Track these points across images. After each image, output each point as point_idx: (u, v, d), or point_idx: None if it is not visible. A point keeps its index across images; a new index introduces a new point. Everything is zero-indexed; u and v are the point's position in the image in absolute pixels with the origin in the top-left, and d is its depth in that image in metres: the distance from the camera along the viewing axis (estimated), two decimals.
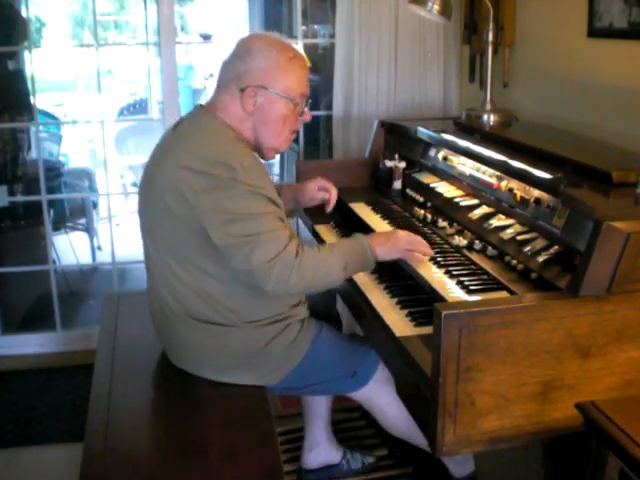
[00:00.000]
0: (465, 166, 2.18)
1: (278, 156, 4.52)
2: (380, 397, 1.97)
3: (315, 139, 4.25)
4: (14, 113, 3.85)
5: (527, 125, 2.49)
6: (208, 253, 1.74)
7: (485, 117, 2.47)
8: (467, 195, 2.15)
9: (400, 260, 1.89)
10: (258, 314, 1.83)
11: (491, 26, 2.45)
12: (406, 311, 1.74)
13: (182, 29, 9.19)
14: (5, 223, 3.97)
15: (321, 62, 4.23)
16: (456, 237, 1.97)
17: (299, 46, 3.04)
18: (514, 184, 1.88)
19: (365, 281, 1.94)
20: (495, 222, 1.90)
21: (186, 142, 1.77)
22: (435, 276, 1.79)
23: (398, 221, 2.24)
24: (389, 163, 2.59)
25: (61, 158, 5.31)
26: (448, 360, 1.34)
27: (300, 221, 2.70)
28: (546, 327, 1.38)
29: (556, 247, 1.63)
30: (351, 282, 1.92)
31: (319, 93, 4.00)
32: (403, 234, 1.89)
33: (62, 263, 4.39)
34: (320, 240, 2.30)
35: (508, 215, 1.89)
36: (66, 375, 3.24)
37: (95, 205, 5.06)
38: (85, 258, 4.74)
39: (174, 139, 1.82)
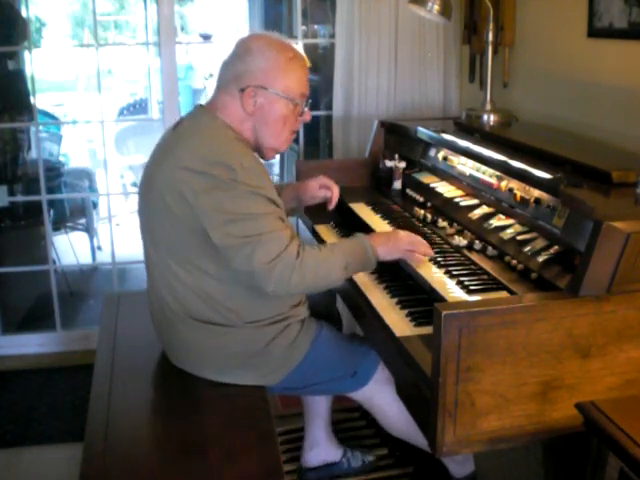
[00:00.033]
0: (465, 166, 2.18)
1: (278, 156, 4.53)
2: (380, 397, 1.97)
3: (315, 139, 4.25)
4: (14, 113, 3.85)
5: (527, 125, 2.49)
6: (208, 253, 1.74)
7: (485, 117, 2.47)
8: (467, 195, 2.15)
9: (400, 260, 1.89)
10: (258, 314, 1.83)
11: (491, 26, 2.45)
12: (406, 311, 1.74)
13: (182, 29, 9.19)
14: (5, 223, 3.97)
15: (321, 62, 4.23)
16: (456, 237, 1.97)
17: (299, 46, 3.04)
18: (514, 184, 1.88)
19: (365, 281, 1.94)
20: (495, 222, 1.90)
21: (186, 142, 1.77)
22: (435, 276, 1.79)
23: (398, 221, 2.24)
24: (389, 163, 2.59)
25: (61, 158, 5.31)
26: (448, 360, 1.34)
27: (300, 221, 2.70)
28: (546, 327, 1.38)
29: (556, 247, 1.63)
30: (351, 282, 1.92)
31: (319, 93, 4.01)
32: (404, 234, 1.89)
33: (62, 263, 4.39)
34: (320, 240, 2.30)
35: (508, 215, 1.89)
36: (66, 375, 3.24)
37: (95, 205, 5.06)
38: (85, 258, 4.74)
39: (174, 139, 1.81)
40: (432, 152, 2.42)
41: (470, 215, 2.02)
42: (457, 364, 1.34)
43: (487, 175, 2.03)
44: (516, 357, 1.38)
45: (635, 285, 1.41)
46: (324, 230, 2.38)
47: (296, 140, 3.33)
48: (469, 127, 2.42)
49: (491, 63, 2.49)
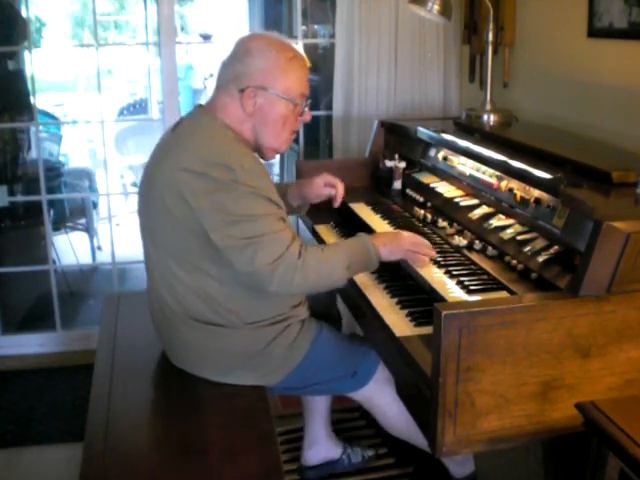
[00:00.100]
0: (465, 166, 2.18)
1: (278, 156, 4.52)
2: (380, 397, 1.97)
3: (315, 139, 4.25)
4: (14, 113, 3.85)
5: (527, 125, 2.49)
6: (208, 254, 1.74)
7: (485, 117, 2.47)
8: (467, 195, 2.15)
9: (401, 260, 1.89)
10: (259, 315, 1.83)
11: (491, 26, 2.45)
12: (406, 311, 1.74)
13: (182, 29, 9.19)
14: (5, 223, 3.97)
15: (321, 62, 4.23)
16: (456, 237, 1.97)
17: (299, 46, 3.04)
18: (514, 184, 1.88)
19: (365, 281, 1.94)
20: (495, 222, 1.90)
21: (186, 143, 1.76)
22: (435, 276, 1.79)
23: (398, 221, 2.24)
24: (389, 163, 2.59)
25: (61, 158, 5.31)
26: (448, 360, 1.34)
27: (300, 221, 2.70)
28: (546, 327, 1.38)
29: (556, 247, 1.63)
30: (351, 282, 1.91)
31: (319, 93, 4.01)
32: (407, 235, 1.89)
33: (62, 263, 4.39)
34: (320, 240, 2.30)
35: (508, 215, 1.89)
36: (66, 375, 3.24)
37: (95, 205, 5.06)
38: (85, 258, 4.74)
39: (174, 139, 1.81)
40: (432, 152, 2.42)
41: (470, 215, 2.02)
42: (457, 364, 1.34)
43: (487, 175, 2.03)
44: (516, 357, 1.38)
45: (635, 285, 1.41)
46: (324, 230, 2.38)
47: (296, 140, 3.33)
48: (469, 127, 2.42)
49: (491, 63, 2.49)
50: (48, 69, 7.89)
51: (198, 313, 1.81)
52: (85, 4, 9.34)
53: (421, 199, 2.35)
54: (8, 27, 3.51)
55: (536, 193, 1.77)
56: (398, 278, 1.94)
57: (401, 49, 3.05)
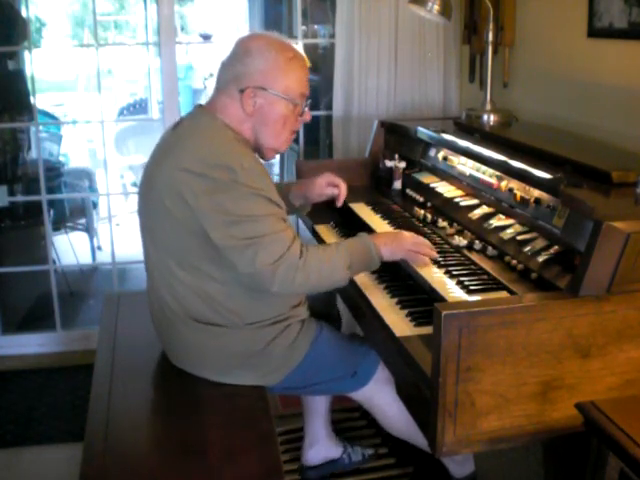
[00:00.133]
0: (465, 166, 2.18)
1: (278, 156, 4.52)
2: (380, 397, 1.97)
3: (315, 139, 4.25)
4: (14, 113, 3.85)
5: (527, 125, 2.49)
6: (209, 255, 1.74)
7: (485, 117, 2.47)
8: (467, 195, 2.15)
9: (401, 260, 1.89)
10: (259, 315, 1.83)
11: (491, 26, 2.45)
12: (406, 311, 1.74)
13: (182, 29, 9.19)
14: (5, 223, 3.97)
15: (321, 62, 4.23)
16: (456, 237, 1.97)
17: (299, 46, 3.04)
18: (514, 184, 1.88)
19: (365, 281, 1.94)
20: (495, 222, 1.90)
21: (186, 143, 1.76)
22: (435, 276, 1.79)
23: (398, 221, 2.24)
24: (389, 163, 2.59)
25: (61, 158, 5.31)
26: (448, 360, 1.34)
27: (300, 221, 2.70)
28: (546, 327, 1.38)
29: (556, 247, 1.63)
30: (351, 282, 1.91)
31: (319, 93, 4.01)
32: (409, 235, 1.89)
33: (62, 263, 4.39)
34: (320, 240, 2.30)
35: (508, 215, 1.89)
36: (66, 375, 3.24)
37: (95, 205, 5.06)
38: (85, 258, 4.74)
39: (174, 140, 1.81)
40: (432, 152, 2.42)
41: (470, 215, 2.02)
42: (457, 364, 1.34)
43: (487, 175, 2.03)
44: (516, 357, 1.38)
45: (635, 285, 1.41)
46: (324, 230, 2.38)
47: (296, 140, 3.33)
48: (469, 127, 2.42)
49: (491, 63, 2.49)
50: (48, 69, 7.89)
51: (198, 313, 1.81)
52: (85, 4, 9.34)
53: (421, 199, 2.35)
54: (8, 27, 3.51)
55: (536, 193, 1.77)
56: (398, 278, 1.94)
57: (401, 49, 3.05)
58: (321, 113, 3.62)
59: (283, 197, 1.83)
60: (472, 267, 1.80)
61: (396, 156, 2.57)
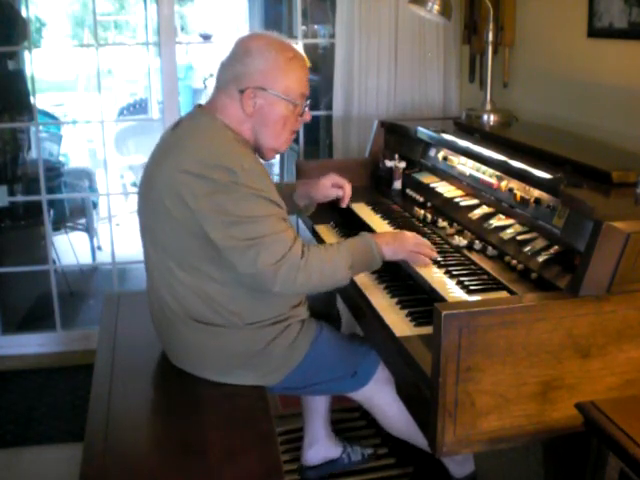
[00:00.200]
0: (465, 166, 2.18)
1: (278, 156, 4.52)
2: (380, 397, 1.97)
3: (315, 139, 4.25)
4: (14, 113, 3.85)
5: (527, 125, 2.49)
6: (209, 256, 1.74)
7: (485, 117, 2.47)
8: (467, 195, 2.15)
9: (401, 260, 1.89)
10: (259, 315, 1.83)
11: (491, 26, 2.45)
12: (406, 311, 1.74)
13: (182, 29, 9.19)
14: (5, 223, 3.97)
15: (321, 62, 4.23)
16: (456, 237, 1.97)
17: (299, 46, 3.04)
18: (514, 184, 1.88)
19: (365, 281, 1.94)
20: (495, 222, 1.90)
21: (186, 144, 1.76)
22: (435, 276, 1.79)
23: (398, 221, 2.24)
24: (389, 163, 2.59)
25: (61, 158, 5.31)
26: (448, 360, 1.34)
27: (300, 221, 2.70)
28: (546, 327, 1.38)
29: (556, 247, 1.63)
30: (351, 282, 1.91)
31: (319, 93, 4.00)
32: (410, 235, 1.88)
33: (62, 263, 4.39)
34: (320, 240, 2.30)
35: (508, 215, 1.89)
36: (66, 375, 3.24)
37: (95, 205, 5.06)
38: (85, 258, 4.74)
39: (173, 140, 1.81)
40: (432, 152, 2.42)
41: (470, 215, 2.02)
42: (457, 364, 1.34)
43: (487, 175, 2.03)
44: (516, 357, 1.38)
45: (635, 285, 1.41)
46: (324, 230, 2.38)
47: (296, 140, 3.33)
48: (469, 127, 2.42)
49: (491, 63, 2.49)
50: (48, 69, 7.89)
51: (198, 313, 1.81)
52: (85, 4, 9.33)
53: (421, 199, 2.35)
54: (8, 27, 3.51)
55: (536, 193, 1.77)
56: (398, 278, 1.94)
57: (401, 49, 3.05)
58: (321, 113, 3.62)
59: (287, 197, 1.83)
60: (472, 267, 1.80)
61: (396, 156, 2.57)
